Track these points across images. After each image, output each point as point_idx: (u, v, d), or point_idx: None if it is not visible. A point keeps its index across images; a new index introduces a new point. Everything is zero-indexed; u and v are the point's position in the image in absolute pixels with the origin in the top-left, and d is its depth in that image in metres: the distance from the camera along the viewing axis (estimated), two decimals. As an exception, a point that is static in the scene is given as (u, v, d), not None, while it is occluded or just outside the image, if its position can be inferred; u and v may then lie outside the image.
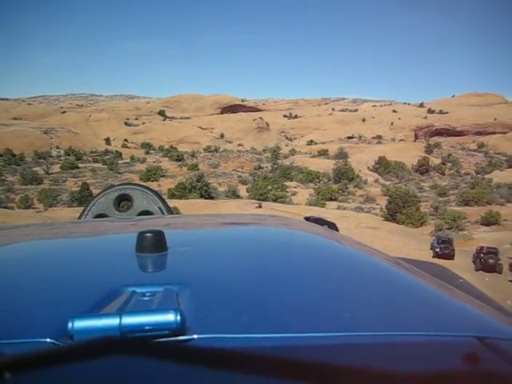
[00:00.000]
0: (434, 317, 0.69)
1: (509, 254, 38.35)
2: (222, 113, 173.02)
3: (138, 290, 0.67)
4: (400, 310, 0.70)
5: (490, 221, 52.41)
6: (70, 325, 0.53)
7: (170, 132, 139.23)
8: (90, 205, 1.83)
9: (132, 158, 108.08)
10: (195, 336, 0.55)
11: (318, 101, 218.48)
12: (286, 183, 76.88)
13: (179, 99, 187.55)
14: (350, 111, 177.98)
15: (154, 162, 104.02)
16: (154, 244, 0.86)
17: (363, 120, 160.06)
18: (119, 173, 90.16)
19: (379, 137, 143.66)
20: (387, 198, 57.79)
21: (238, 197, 68.26)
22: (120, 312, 0.55)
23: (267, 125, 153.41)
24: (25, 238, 1.23)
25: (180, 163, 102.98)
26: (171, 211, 1.86)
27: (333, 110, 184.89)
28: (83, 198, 56.19)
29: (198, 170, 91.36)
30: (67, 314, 0.55)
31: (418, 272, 1.01)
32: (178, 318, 0.54)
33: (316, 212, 52.85)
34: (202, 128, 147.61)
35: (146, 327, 0.53)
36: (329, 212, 55.07)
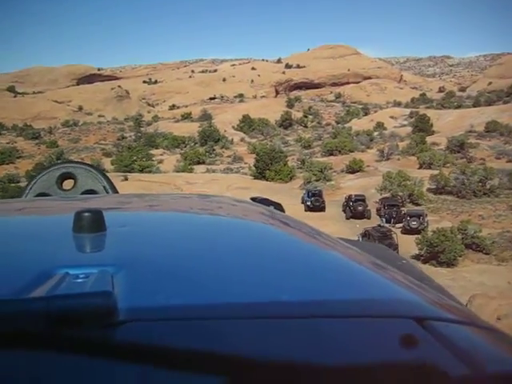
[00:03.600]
0: (371, 299, 0.68)
1: (375, 198, 39.62)
2: (77, 84, 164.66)
3: (72, 271, 0.66)
4: (335, 292, 0.70)
5: (354, 168, 54.05)
6: None
7: (22, 109, 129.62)
8: (32, 183, 1.81)
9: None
10: (126, 320, 0.54)
11: (177, 64, 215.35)
12: (151, 151, 74.44)
13: (29, 73, 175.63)
14: (210, 72, 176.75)
15: (8, 142, 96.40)
16: (91, 224, 0.84)
17: (224, 80, 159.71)
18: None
19: (241, 95, 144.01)
20: (254, 156, 57.50)
21: (104, 170, 65.01)
22: (48, 296, 0.54)
23: (127, 93, 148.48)
24: None
25: (37, 141, 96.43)
26: (116, 190, 1.82)
27: (192, 72, 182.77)
28: None
29: (57, 146, 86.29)
30: None
31: (358, 253, 1.00)
32: (110, 301, 0.53)
33: (185, 178, 51.48)
34: (58, 102, 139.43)
35: (75, 312, 0.51)
36: (198, 176, 53.95)
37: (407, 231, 31.85)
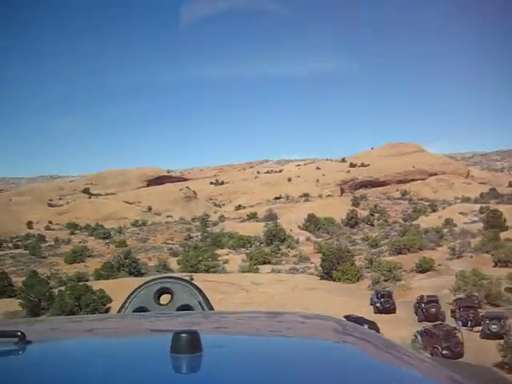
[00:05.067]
0: None
1: (448, 299, 37.65)
2: (148, 185, 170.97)
3: None
4: None
5: (424, 267, 52.15)
6: None
7: (95, 209, 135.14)
8: (131, 297, 1.87)
9: (56, 239, 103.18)
10: None
11: (243, 165, 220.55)
12: (217, 251, 74.93)
13: (103, 175, 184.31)
14: (275, 172, 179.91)
15: (80, 242, 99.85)
16: (188, 345, 0.86)
17: (289, 180, 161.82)
18: (43, 257, 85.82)
19: (306, 195, 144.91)
20: (320, 255, 56.60)
21: (170, 270, 65.69)
22: None
23: (194, 193, 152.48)
24: (62, 334, 1.27)
25: (107, 241, 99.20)
26: (211, 306, 1.87)
27: (258, 172, 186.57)
28: (2, 288, 52.56)
29: (125, 246, 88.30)
30: None
31: (452, 379, 0.97)
32: None
33: (250, 278, 50.95)
34: (129, 202, 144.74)
35: None
36: (263, 277, 53.31)
37: (486, 336, 29.66)
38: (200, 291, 1.88)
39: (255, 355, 1.03)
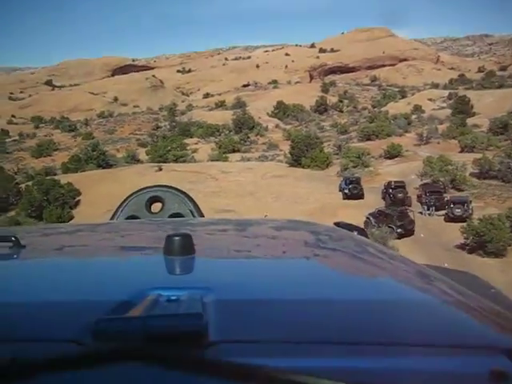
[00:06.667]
0: (457, 331, 0.67)
1: (415, 185, 38.27)
2: (112, 75, 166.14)
3: (164, 293, 0.69)
4: (419, 324, 0.69)
5: (392, 154, 52.61)
6: (94, 327, 0.56)
7: (60, 102, 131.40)
8: (122, 206, 1.88)
9: (20, 134, 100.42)
10: (217, 342, 0.56)
11: (210, 52, 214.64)
12: (186, 140, 74.06)
13: (65, 66, 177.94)
14: (243, 59, 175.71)
15: (46, 135, 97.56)
16: (181, 247, 0.89)
17: (257, 66, 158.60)
18: (7, 152, 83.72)
19: (275, 81, 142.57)
20: (290, 142, 56.45)
21: (139, 161, 65.16)
22: (144, 316, 0.59)
23: (161, 82, 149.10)
24: (57, 240, 1.31)
25: (73, 133, 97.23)
26: (202, 214, 1.90)
27: (226, 59, 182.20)
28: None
29: (92, 138, 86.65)
30: (93, 316, 0.58)
31: (443, 283, 1.00)
32: (201, 322, 0.56)
33: (220, 167, 50.80)
34: (94, 93, 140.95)
35: (169, 332, 0.54)
36: (233, 165, 53.25)
37: (450, 219, 30.46)
38: (191, 199, 1.89)
39: (248, 260, 1.05)
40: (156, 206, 1.89)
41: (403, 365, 0.57)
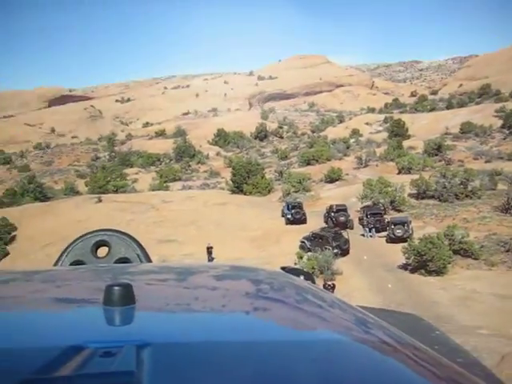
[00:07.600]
0: (381, 380, 0.66)
1: (356, 207, 38.68)
2: (49, 106, 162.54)
3: (99, 347, 0.66)
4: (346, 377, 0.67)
5: (333, 177, 53.25)
6: None
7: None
8: (67, 250, 1.83)
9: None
10: None
11: (149, 81, 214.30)
12: (126, 171, 72.94)
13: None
14: (183, 88, 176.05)
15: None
16: (121, 297, 0.86)
17: (197, 95, 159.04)
18: None
19: (214, 109, 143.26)
20: (231, 170, 56.34)
21: (78, 193, 63.50)
22: (71, 376, 0.56)
23: (100, 112, 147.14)
24: None
25: (8, 166, 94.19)
26: (149, 259, 1.85)
27: (165, 88, 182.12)
28: None
29: (29, 170, 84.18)
30: (19, 374, 0.55)
31: (380, 329, 0.97)
32: (133, 381, 0.54)
33: (161, 196, 50.03)
34: (30, 125, 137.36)
35: None
36: (173, 194, 52.61)
37: (392, 240, 30.82)
38: (138, 244, 1.83)
39: (187, 313, 1.02)
40: (102, 250, 1.82)
41: None
